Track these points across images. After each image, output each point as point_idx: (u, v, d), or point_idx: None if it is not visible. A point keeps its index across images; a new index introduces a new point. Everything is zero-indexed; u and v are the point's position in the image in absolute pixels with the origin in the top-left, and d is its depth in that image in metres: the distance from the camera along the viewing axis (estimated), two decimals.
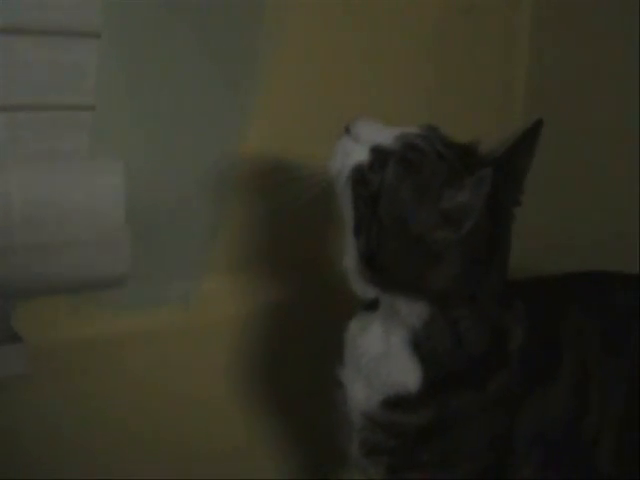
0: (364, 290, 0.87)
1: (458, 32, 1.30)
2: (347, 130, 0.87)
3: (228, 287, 1.18)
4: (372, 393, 0.88)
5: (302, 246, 1.13)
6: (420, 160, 0.82)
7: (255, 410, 1.23)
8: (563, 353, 0.88)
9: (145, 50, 1.05)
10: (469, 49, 1.32)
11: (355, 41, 1.21)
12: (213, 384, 1.19)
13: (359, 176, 0.85)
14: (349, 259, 0.87)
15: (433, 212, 0.80)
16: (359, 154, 0.85)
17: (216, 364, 1.19)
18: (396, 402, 0.86)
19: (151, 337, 1.12)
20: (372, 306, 0.90)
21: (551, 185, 1.23)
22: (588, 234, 1.26)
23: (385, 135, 0.86)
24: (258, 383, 1.23)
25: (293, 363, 1.22)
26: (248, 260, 1.20)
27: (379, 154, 0.84)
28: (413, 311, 0.84)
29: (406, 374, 0.86)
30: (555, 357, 0.88)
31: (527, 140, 0.87)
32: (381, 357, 0.88)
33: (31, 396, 1.05)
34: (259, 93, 1.14)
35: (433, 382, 0.85)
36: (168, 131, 1.09)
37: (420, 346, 0.85)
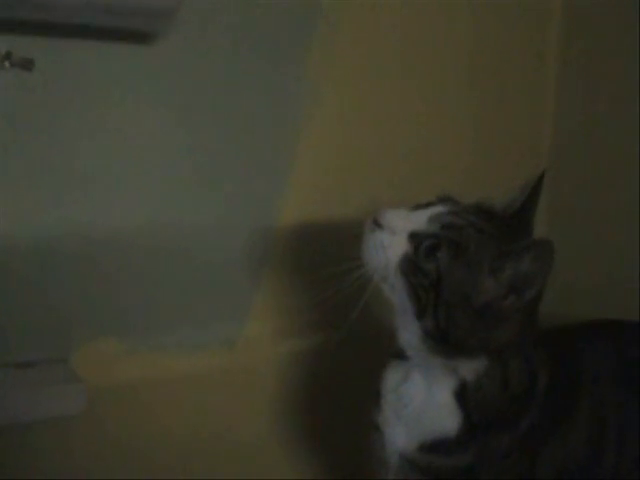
0: (427, 359, 0.87)
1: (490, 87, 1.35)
2: (376, 223, 0.86)
3: (270, 331, 1.21)
4: (411, 438, 0.89)
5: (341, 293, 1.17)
6: (464, 238, 0.84)
7: (296, 452, 1.25)
8: (581, 395, 0.90)
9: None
10: (499, 105, 1.37)
11: (390, 111, 1.24)
12: (255, 426, 1.21)
13: (409, 266, 0.84)
14: (409, 337, 0.87)
15: (495, 284, 0.83)
16: (400, 245, 0.85)
17: (258, 405, 1.21)
18: (434, 445, 0.88)
19: (196, 379, 1.15)
20: (403, 354, 0.91)
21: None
22: (587, 279, 1.29)
23: (417, 220, 0.86)
24: (299, 425, 1.25)
25: (333, 405, 1.24)
26: (290, 305, 1.22)
27: (420, 240, 0.84)
28: (470, 367, 0.86)
29: (447, 421, 0.87)
30: (573, 399, 0.90)
31: (537, 191, 0.92)
32: (423, 406, 0.89)
33: (82, 435, 1.08)
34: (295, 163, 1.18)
35: (472, 426, 0.87)
36: (219, 190, 1.15)
37: (467, 395, 0.87)
